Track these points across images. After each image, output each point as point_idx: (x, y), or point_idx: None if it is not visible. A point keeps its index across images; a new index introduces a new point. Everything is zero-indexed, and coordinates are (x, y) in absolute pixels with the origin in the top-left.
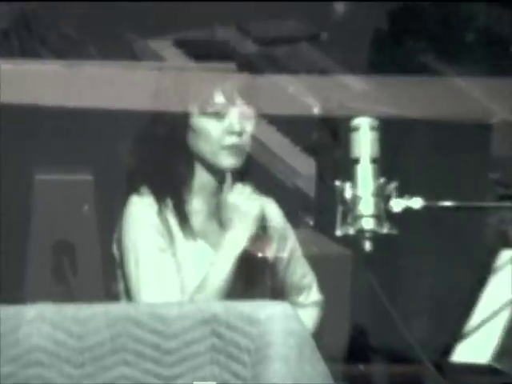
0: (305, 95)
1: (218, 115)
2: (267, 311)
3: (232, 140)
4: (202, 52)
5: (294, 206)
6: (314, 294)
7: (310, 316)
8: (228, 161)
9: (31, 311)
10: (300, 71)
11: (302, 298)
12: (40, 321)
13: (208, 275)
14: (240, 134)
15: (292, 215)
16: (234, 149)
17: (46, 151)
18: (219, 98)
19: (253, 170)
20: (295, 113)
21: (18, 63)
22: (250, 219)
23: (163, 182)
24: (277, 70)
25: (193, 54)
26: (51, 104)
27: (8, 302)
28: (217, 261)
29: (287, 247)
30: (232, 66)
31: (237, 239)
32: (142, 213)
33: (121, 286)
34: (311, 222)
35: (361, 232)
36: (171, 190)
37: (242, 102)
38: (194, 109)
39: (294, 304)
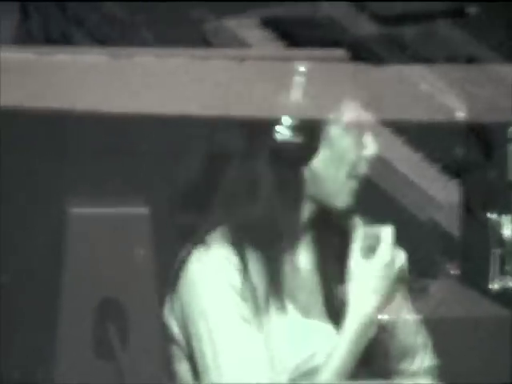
0: (444, 93)
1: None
2: None
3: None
4: (300, 34)
5: (430, 247)
6: (428, 359)
7: None
8: (348, 198)
9: None
10: (437, 59)
11: (411, 365)
12: None
13: (329, 361)
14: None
15: (428, 261)
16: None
17: (83, 175)
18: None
19: (369, 199)
20: (431, 118)
21: (45, 52)
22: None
23: (251, 223)
24: (404, 57)
25: (288, 38)
26: (90, 109)
27: None
28: (342, 344)
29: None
30: (341, 52)
31: (366, 313)
32: (219, 267)
33: (180, 366)
34: (455, 271)
35: None
36: (267, 237)
37: (354, 105)
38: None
39: (401, 372)
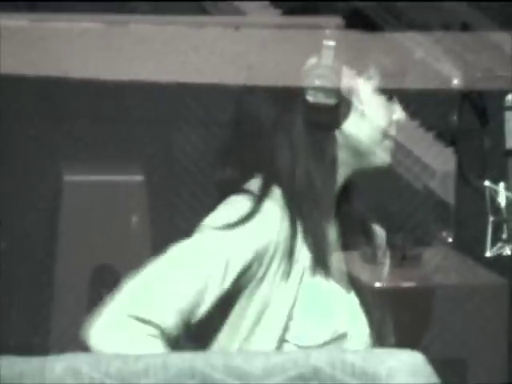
0: (439, 61)
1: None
2: (390, 363)
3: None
4: (295, 1)
5: (425, 215)
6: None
7: None
8: (387, 155)
9: (60, 364)
10: (432, 27)
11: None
12: (72, 377)
13: None
14: None
15: (423, 229)
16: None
17: (78, 142)
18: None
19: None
20: (426, 86)
21: (40, 19)
22: None
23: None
24: (399, 25)
25: (283, 6)
26: (85, 77)
27: (29, 352)
28: None
29: None
30: (337, 20)
31: None
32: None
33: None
34: (450, 239)
35: None
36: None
37: (350, 71)
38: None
39: None
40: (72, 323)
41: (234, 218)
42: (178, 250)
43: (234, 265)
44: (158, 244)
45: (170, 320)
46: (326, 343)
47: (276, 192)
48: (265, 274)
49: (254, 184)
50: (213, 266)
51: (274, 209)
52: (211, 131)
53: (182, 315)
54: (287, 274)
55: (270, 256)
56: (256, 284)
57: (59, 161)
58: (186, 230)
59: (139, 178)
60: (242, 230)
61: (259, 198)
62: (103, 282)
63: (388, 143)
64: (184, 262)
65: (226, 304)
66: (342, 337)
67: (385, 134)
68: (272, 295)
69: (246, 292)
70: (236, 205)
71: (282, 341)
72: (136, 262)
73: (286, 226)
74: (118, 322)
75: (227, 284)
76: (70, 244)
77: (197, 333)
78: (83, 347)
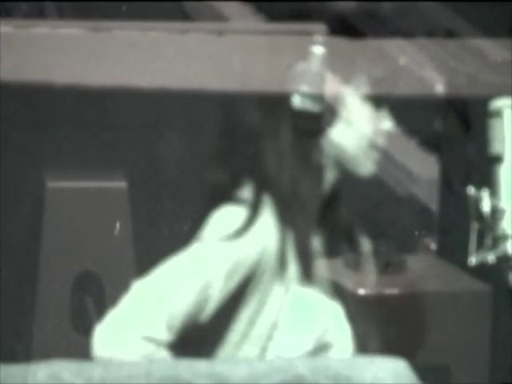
0: (423, 67)
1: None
2: (373, 371)
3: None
4: (278, 8)
5: (408, 222)
6: None
7: None
8: (372, 165)
9: (42, 371)
10: (416, 34)
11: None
12: None
13: None
14: None
15: (407, 235)
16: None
17: (61, 148)
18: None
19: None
20: (410, 92)
21: (23, 25)
22: None
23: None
24: (383, 32)
25: (266, 12)
26: (69, 83)
27: (11, 358)
28: None
29: None
30: (321, 27)
31: None
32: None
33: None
34: (433, 245)
35: (505, 260)
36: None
37: (335, 78)
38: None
39: None
40: (55, 330)
41: (232, 228)
42: (180, 261)
43: (235, 273)
44: (141, 251)
45: (170, 332)
46: (308, 353)
47: (266, 199)
48: (258, 282)
49: (245, 191)
50: (214, 276)
51: (266, 216)
52: (195, 137)
53: (180, 325)
54: (278, 282)
55: (264, 264)
56: (250, 291)
57: (43, 167)
58: (168, 236)
59: (122, 184)
60: (240, 239)
61: (253, 207)
62: (86, 289)
63: (374, 153)
64: (185, 272)
65: (219, 311)
66: (324, 347)
67: (371, 144)
68: (263, 303)
69: (239, 300)
70: (232, 215)
71: (265, 350)
72: (119, 269)
73: (277, 232)
74: (121, 333)
75: (226, 292)
76: (53, 250)
77: (186, 339)
78: (66, 354)
